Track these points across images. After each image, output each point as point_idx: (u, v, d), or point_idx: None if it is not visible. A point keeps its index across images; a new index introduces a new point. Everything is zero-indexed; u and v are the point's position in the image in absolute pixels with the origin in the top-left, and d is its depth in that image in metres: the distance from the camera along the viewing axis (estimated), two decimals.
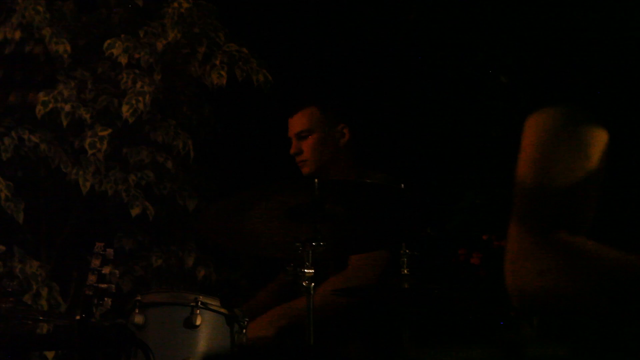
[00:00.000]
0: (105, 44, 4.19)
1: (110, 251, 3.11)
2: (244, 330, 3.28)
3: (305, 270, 3.00)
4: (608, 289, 1.39)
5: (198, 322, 3.25)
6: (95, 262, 3.05)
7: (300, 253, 3.04)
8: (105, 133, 4.13)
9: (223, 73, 4.30)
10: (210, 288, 4.38)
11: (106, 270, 3.07)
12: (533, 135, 1.55)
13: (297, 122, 3.86)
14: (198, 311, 3.28)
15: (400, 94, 4.70)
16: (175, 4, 4.26)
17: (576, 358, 1.34)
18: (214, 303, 3.37)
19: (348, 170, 3.91)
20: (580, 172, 1.50)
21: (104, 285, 3.02)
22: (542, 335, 1.47)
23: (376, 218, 3.37)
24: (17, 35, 4.26)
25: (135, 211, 4.24)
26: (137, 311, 3.23)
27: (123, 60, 4.16)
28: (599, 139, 1.52)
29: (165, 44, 4.25)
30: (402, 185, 3.27)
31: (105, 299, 3.02)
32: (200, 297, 3.33)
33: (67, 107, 4.13)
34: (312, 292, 2.95)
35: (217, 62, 4.34)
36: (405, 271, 3.20)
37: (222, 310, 3.38)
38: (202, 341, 3.27)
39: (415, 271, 3.44)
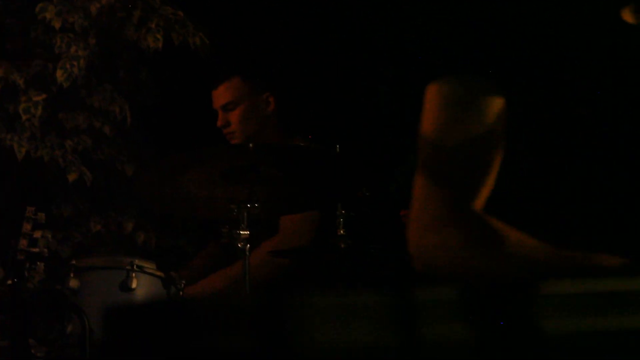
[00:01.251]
0: (38, 8, 4.12)
1: (41, 215, 3.13)
2: (181, 293, 3.32)
3: (241, 232, 3.02)
4: (512, 270, 1.44)
5: (134, 285, 3.28)
6: (27, 227, 3.06)
7: (235, 215, 3.06)
8: (39, 98, 4.11)
9: (159, 36, 4.30)
10: (150, 253, 4.39)
11: (37, 234, 3.08)
12: (434, 101, 1.58)
13: (222, 95, 3.90)
14: (134, 274, 3.32)
15: (336, 59, 4.68)
16: None
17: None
18: (149, 266, 3.42)
19: (276, 138, 3.95)
20: (478, 137, 1.54)
21: (35, 250, 3.03)
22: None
23: (310, 180, 3.40)
24: None
25: (72, 177, 4.22)
26: (72, 275, 3.24)
27: (56, 24, 4.12)
28: (496, 107, 1.56)
29: (99, 7, 4.21)
30: (337, 148, 3.32)
31: (38, 263, 3.03)
32: (136, 260, 3.37)
33: (0, 72, 4.10)
34: (247, 253, 3.00)
35: (153, 26, 4.32)
36: (341, 232, 3.28)
37: (158, 273, 3.42)
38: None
39: (352, 232, 3.51)
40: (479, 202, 1.54)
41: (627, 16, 2.09)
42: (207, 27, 4.63)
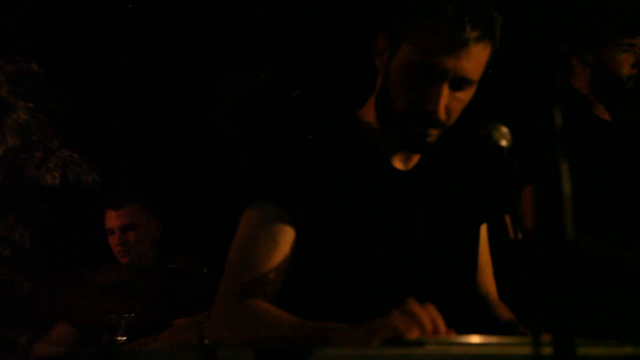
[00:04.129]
0: None
1: None
2: None
3: (118, 339, 3.17)
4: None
5: None
6: None
7: (114, 323, 3.22)
8: None
9: (57, 174, 4.42)
10: None
11: None
12: (243, 226, 1.76)
13: (122, 216, 3.92)
14: None
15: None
16: (15, 115, 4.37)
17: None
18: None
19: (155, 255, 4.04)
20: (271, 255, 1.70)
21: None
22: None
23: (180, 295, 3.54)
24: None
25: None
26: None
27: None
28: (286, 233, 1.72)
29: (5, 149, 4.32)
30: (205, 270, 3.62)
31: None
32: None
33: None
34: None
35: (52, 165, 4.42)
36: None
37: None
38: None
39: None
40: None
41: None
42: (101, 165, 4.64)
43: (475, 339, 1.30)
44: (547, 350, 1.09)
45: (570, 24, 2.70)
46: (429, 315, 1.38)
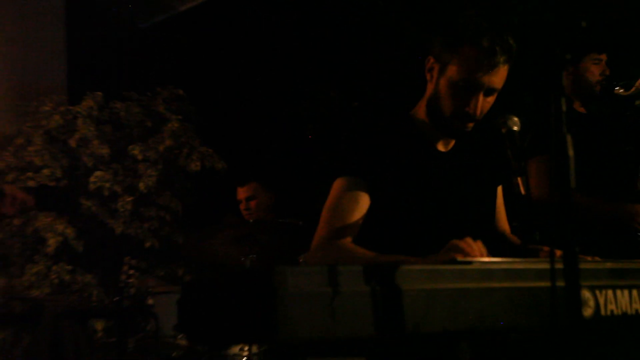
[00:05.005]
0: (129, 148, 4.34)
1: (133, 262, 3.29)
2: None
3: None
4: None
5: None
6: (125, 267, 3.30)
7: (242, 261, 3.31)
8: (129, 199, 4.28)
9: (198, 164, 4.44)
10: None
11: (131, 271, 3.26)
12: (333, 191, 1.74)
13: (247, 190, 3.86)
14: None
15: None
16: (169, 125, 4.43)
17: None
18: None
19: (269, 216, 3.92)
20: (352, 210, 1.69)
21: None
22: None
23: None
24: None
25: (147, 244, 4.34)
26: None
27: (139, 156, 4.34)
28: (363, 194, 1.71)
29: (165, 147, 4.40)
30: (300, 222, 3.41)
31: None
32: None
33: (108, 184, 4.27)
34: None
35: (194, 157, 4.46)
36: None
37: None
38: None
39: None
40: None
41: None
42: (228, 156, 4.60)
43: (502, 259, 1.29)
44: (559, 265, 1.10)
45: (572, 39, 2.67)
46: (473, 245, 1.41)
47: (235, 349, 3.29)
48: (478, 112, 1.69)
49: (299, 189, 4.34)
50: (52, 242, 4.04)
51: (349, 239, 1.67)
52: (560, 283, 1.09)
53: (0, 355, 3.58)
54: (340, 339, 1.05)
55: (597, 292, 1.32)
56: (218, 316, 1.10)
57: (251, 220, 3.87)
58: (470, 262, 1.25)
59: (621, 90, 2.47)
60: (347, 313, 1.06)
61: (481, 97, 1.68)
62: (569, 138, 1.10)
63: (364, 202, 1.69)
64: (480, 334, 1.18)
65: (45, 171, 4.21)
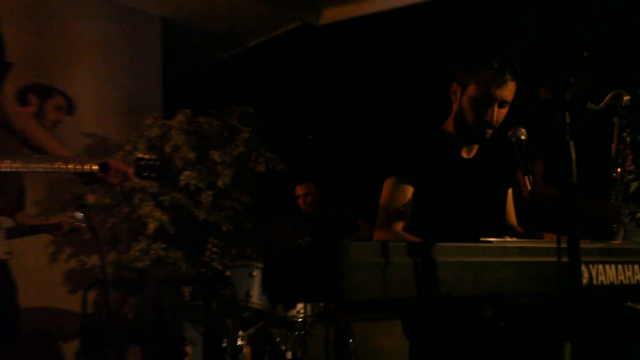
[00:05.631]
0: (211, 153, 4.30)
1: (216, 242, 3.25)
2: None
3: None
4: None
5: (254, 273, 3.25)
6: (207, 253, 3.25)
7: (300, 242, 3.30)
8: (210, 193, 4.24)
9: (263, 166, 4.41)
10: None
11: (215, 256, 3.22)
12: (385, 188, 1.75)
13: (304, 188, 3.82)
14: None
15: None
16: (241, 135, 4.40)
17: None
18: None
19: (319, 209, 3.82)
20: (401, 203, 1.70)
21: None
22: None
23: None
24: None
25: (224, 228, 4.22)
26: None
27: (218, 159, 4.30)
28: (408, 190, 1.72)
29: (238, 152, 4.39)
30: (345, 213, 3.47)
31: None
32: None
33: (194, 182, 4.22)
34: None
35: (260, 161, 4.42)
36: None
37: None
38: None
39: None
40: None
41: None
42: (288, 160, 4.52)
43: (515, 239, 1.31)
44: (563, 245, 1.11)
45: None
46: None
47: (294, 312, 3.35)
48: (494, 120, 1.70)
49: (346, 187, 4.34)
50: (151, 226, 4.07)
51: (400, 226, 1.68)
52: (564, 259, 1.10)
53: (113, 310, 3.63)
54: (390, 299, 1.08)
55: (590, 266, 1.33)
56: (295, 281, 1.12)
57: (306, 211, 3.86)
58: (490, 242, 1.27)
59: (593, 105, 2.38)
60: (395, 279, 1.09)
61: (496, 108, 1.70)
62: (572, 144, 1.11)
63: (409, 196, 1.70)
64: (499, 296, 1.20)
65: None
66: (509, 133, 1.67)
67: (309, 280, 1.09)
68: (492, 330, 1.23)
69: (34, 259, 3.81)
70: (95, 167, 1.67)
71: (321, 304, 3.21)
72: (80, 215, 2.72)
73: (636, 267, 1.37)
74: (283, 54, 5.09)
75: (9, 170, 1.56)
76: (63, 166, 1.62)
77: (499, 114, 1.72)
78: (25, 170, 1.59)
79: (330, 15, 4.64)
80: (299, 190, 3.89)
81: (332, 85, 4.72)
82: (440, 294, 1.13)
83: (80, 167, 1.65)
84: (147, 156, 1.84)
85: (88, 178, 1.67)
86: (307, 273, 1.09)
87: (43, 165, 1.61)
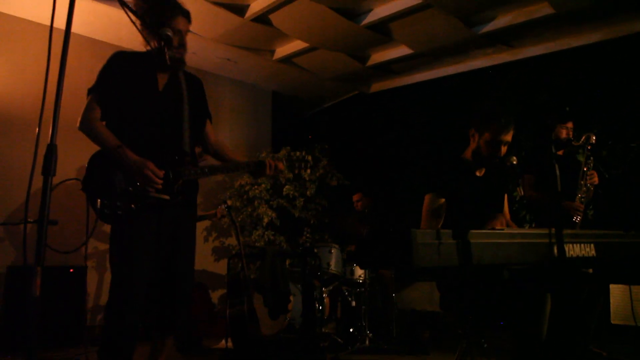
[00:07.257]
0: (303, 173, 4.03)
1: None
2: None
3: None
4: None
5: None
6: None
7: (362, 231, 3.10)
8: (302, 199, 4.04)
9: (335, 182, 4.27)
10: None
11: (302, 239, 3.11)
12: (425, 203, 1.66)
13: (357, 197, 3.70)
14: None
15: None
16: (321, 163, 4.25)
17: None
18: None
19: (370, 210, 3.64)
20: (437, 213, 1.59)
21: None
22: None
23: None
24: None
25: (311, 221, 4.06)
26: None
27: (307, 178, 4.15)
28: (442, 201, 1.63)
29: (319, 173, 4.27)
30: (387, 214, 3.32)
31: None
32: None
33: (292, 192, 4.02)
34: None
35: (333, 179, 4.27)
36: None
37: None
38: None
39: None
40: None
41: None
42: (349, 176, 4.29)
43: (519, 228, 1.30)
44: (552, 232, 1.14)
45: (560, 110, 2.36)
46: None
47: (357, 275, 3.37)
48: (502, 154, 1.70)
49: (390, 197, 4.24)
50: (265, 220, 4.04)
51: (439, 224, 1.63)
52: (553, 240, 1.14)
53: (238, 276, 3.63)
54: (442, 266, 1.11)
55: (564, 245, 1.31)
56: (380, 253, 1.15)
57: (359, 211, 3.72)
58: (502, 229, 1.29)
59: (574, 142, 2.29)
60: (444, 253, 1.12)
61: (504, 148, 1.70)
62: (556, 166, 1.15)
63: (442, 208, 1.64)
64: (511, 264, 1.22)
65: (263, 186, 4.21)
66: (507, 159, 1.66)
67: (389, 253, 1.12)
68: (506, 288, 1.25)
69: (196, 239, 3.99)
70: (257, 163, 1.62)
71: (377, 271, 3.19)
72: (225, 209, 2.87)
73: (592, 245, 1.34)
74: (346, 111, 5.13)
75: (207, 176, 1.54)
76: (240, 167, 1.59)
77: (504, 149, 1.70)
78: (219, 173, 1.61)
79: (378, 86, 4.63)
80: (354, 198, 3.80)
81: (381, 132, 4.67)
82: (473, 262, 1.14)
83: (250, 166, 1.61)
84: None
85: (255, 172, 1.58)
86: (388, 248, 1.12)
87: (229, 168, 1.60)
